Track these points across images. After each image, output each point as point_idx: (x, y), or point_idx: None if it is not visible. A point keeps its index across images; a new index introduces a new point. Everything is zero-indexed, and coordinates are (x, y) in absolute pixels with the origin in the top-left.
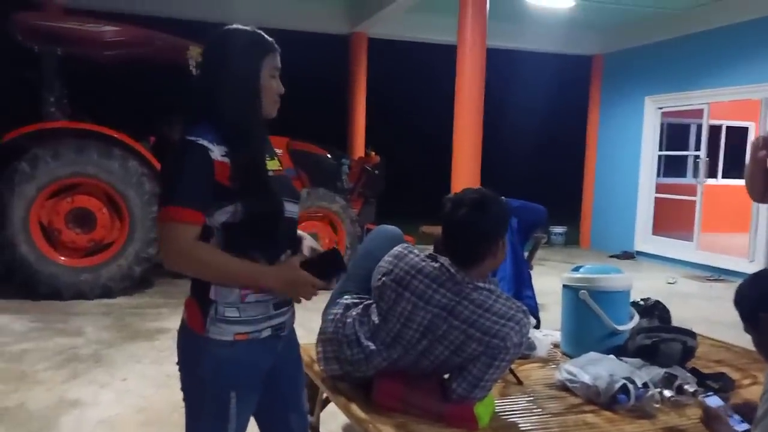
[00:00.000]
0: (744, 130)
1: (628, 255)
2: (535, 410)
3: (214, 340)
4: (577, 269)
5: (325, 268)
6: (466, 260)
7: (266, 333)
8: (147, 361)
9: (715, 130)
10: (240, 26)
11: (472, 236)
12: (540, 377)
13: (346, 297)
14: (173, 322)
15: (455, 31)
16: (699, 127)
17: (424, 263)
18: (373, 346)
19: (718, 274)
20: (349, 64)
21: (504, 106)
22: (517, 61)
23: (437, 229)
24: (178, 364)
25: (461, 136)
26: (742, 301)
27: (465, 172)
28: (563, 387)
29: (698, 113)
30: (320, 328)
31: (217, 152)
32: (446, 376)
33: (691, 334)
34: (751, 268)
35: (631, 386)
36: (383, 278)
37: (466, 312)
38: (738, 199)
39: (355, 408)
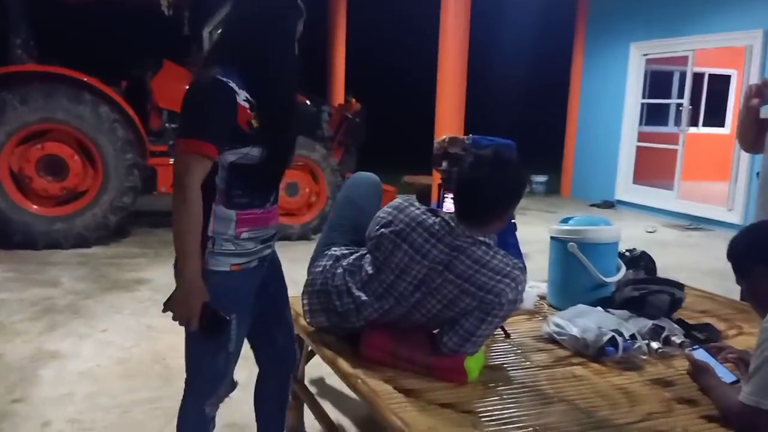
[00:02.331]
0: (726, 78)
1: (609, 204)
2: (523, 363)
3: (212, 270)
4: (565, 221)
5: (211, 319)
6: (475, 219)
7: (254, 263)
8: (127, 312)
9: (697, 78)
10: None
11: (489, 196)
12: (527, 330)
13: (333, 249)
14: (152, 272)
15: None
16: (682, 75)
17: (424, 216)
18: (364, 297)
19: (697, 222)
20: (327, 8)
21: (486, 50)
22: (499, 1)
23: (420, 179)
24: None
25: (445, 84)
26: (734, 252)
27: (449, 120)
28: (551, 339)
29: (682, 60)
30: (306, 281)
31: (241, 96)
32: (436, 331)
33: (679, 286)
34: (730, 217)
35: (619, 338)
36: (382, 229)
37: (462, 267)
38: (718, 147)
39: (342, 362)
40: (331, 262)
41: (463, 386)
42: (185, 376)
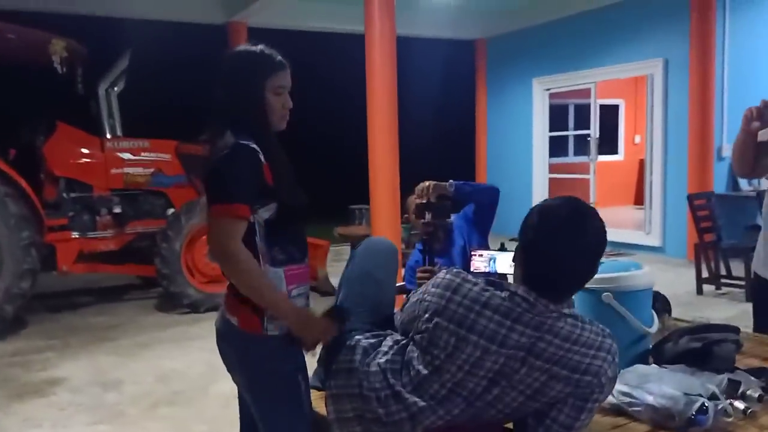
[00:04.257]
0: (615, 108)
1: None
2: None
3: (271, 336)
4: None
5: (336, 317)
6: (563, 292)
7: None
8: (47, 426)
9: (588, 109)
10: (248, 47)
11: (576, 264)
12: None
13: (356, 337)
14: (65, 368)
15: (340, 18)
16: (577, 107)
17: (488, 293)
18: (421, 402)
19: (618, 248)
20: None
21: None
22: (401, 48)
23: (353, 230)
24: (232, 371)
25: (377, 133)
26: None
27: (384, 170)
28: (618, 411)
29: (575, 94)
30: (328, 382)
31: (261, 154)
32: (510, 424)
33: (735, 330)
34: (649, 240)
35: (709, 403)
36: (436, 319)
37: (550, 348)
38: (617, 174)
39: None
40: (359, 357)
41: None
42: None
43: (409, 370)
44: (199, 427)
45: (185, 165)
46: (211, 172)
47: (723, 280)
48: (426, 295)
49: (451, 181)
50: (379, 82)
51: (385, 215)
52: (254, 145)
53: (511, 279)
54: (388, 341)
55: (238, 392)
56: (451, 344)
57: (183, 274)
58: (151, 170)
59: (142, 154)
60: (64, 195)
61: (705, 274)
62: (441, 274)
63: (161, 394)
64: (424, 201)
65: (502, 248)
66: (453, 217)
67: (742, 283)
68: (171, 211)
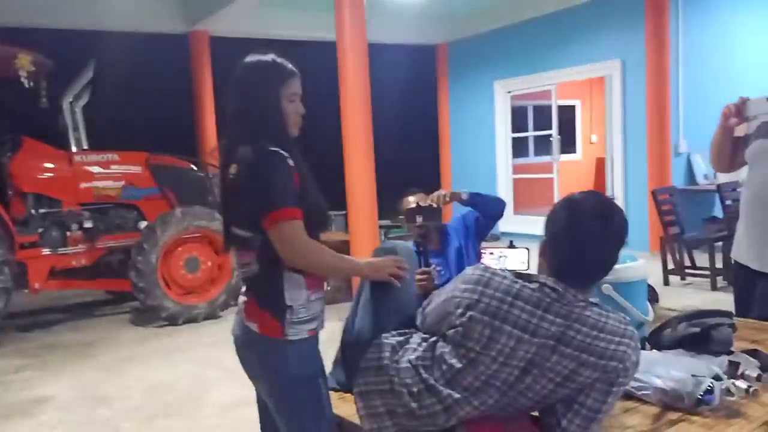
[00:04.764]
0: (572, 109)
1: (494, 237)
2: (619, 431)
3: (294, 340)
4: None
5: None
6: (589, 280)
7: (320, 327)
8: None
9: (547, 110)
10: (260, 57)
11: (607, 253)
12: None
13: (383, 336)
14: (49, 386)
15: (306, 27)
16: (536, 108)
17: (518, 285)
18: (456, 395)
19: None
20: (190, 65)
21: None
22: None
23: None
24: (254, 377)
25: (352, 139)
26: None
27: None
28: (627, 396)
29: (534, 95)
30: (358, 380)
31: (291, 160)
32: (536, 413)
33: (729, 315)
34: None
35: (716, 383)
36: (469, 312)
37: (579, 336)
38: (576, 172)
39: None
40: (388, 354)
41: None
42: None
43: (440, 365)
44: None
45: (157, 177)
46: (252, 181)
47: (687, 271)
48: (456, 292)
49: (465, 190)
50: (353, 89)
51: (363, 220)
52: (282, 152)
53: None
54: (416, 338)
55: (258, 399)
56: (486, 335)
57: (160, 286)
58: (122, 183)
59: (112, 167)
60: (33, 211)
61: (670, 265)
62: (469, 271)
63: (154, 407)
64: (413, 206)
65: (511, 246)
66: (451, 219)
67: (707, 273)
68: (144, 223)
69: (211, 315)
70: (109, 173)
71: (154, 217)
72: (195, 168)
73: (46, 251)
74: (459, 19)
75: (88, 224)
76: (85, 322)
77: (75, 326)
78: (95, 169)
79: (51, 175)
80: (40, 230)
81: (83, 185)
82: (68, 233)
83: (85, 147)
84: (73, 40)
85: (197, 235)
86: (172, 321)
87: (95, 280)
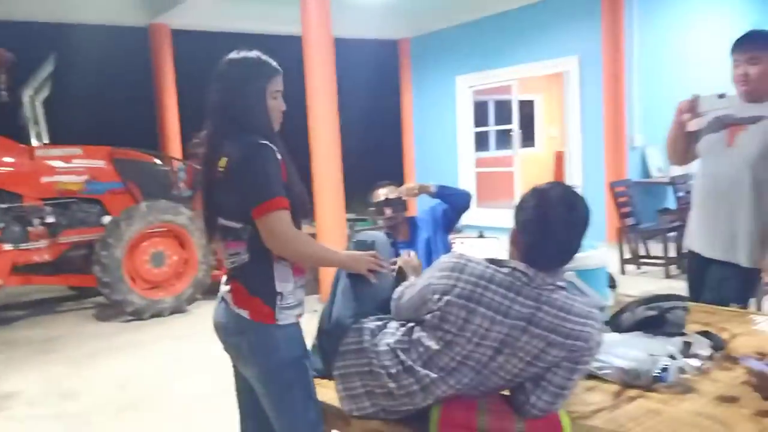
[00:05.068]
0: (531, 103)
1: (457, 230)
2: (589, 408)
3: (283, 325)
4: None
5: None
6: (556, 263)
7: (303, 313)
8: None
9: (508, 105)
10: (245, 54)
11: (572, 238)
12: None
13: (362, 321)
14: (16, 380)
15: (268, 19)
16: (497, 103)
17: (491, 270)
18: (433, 374)
19: None
20: (151, 58)
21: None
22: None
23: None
24: (242, 362)
25: (319, 133)
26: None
27: (327, 169)
28: (589, 375)
29: (494, 90)
30: (332, 363)
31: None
32: (507, 392)
33: (683, 298)
34: None
35: (671, 362)
36: (445, 297)
37: (548, 318)
38: (536, 165)
39: None
40: (368, 337)
41: None
42: None
43: (417, 348)
44: (174, 426)
45: (120, 171)
46: (242, 173)
47: (642, 260)
48: (433, 279)
49: (433, 183)
50: (319, 83)
51: (330, 213)
52: (270, 144)
53: None
54: (393, 323)
55: (237, 387)
56: (462, 317)
57: (125, 281)
58: (85, 177)
59: (75, 161)
60: None
61: (627, 255)
62: (444, 258)
63: (123, 400)
64: (381, 199)
65: (481, 236)
66: (420, 212)
67: (661, 261)
68: (107, 218)
69: (178, 309)
70: (71, 167)
71: (118, 212)
72: (159, 162)
73: (7, 247)
74: (421, 14)
75: (50, 219)
76: (49, 318)
77: (38, 322)
78: (57, 163)
79: (11, 169)
80: (1, 226)
81: (45, 180)
82: (30, 228)
83: (46, 141)
84: (34, 33)
85: (163, 229)
86: (138, 316)
87: (58, 276)
